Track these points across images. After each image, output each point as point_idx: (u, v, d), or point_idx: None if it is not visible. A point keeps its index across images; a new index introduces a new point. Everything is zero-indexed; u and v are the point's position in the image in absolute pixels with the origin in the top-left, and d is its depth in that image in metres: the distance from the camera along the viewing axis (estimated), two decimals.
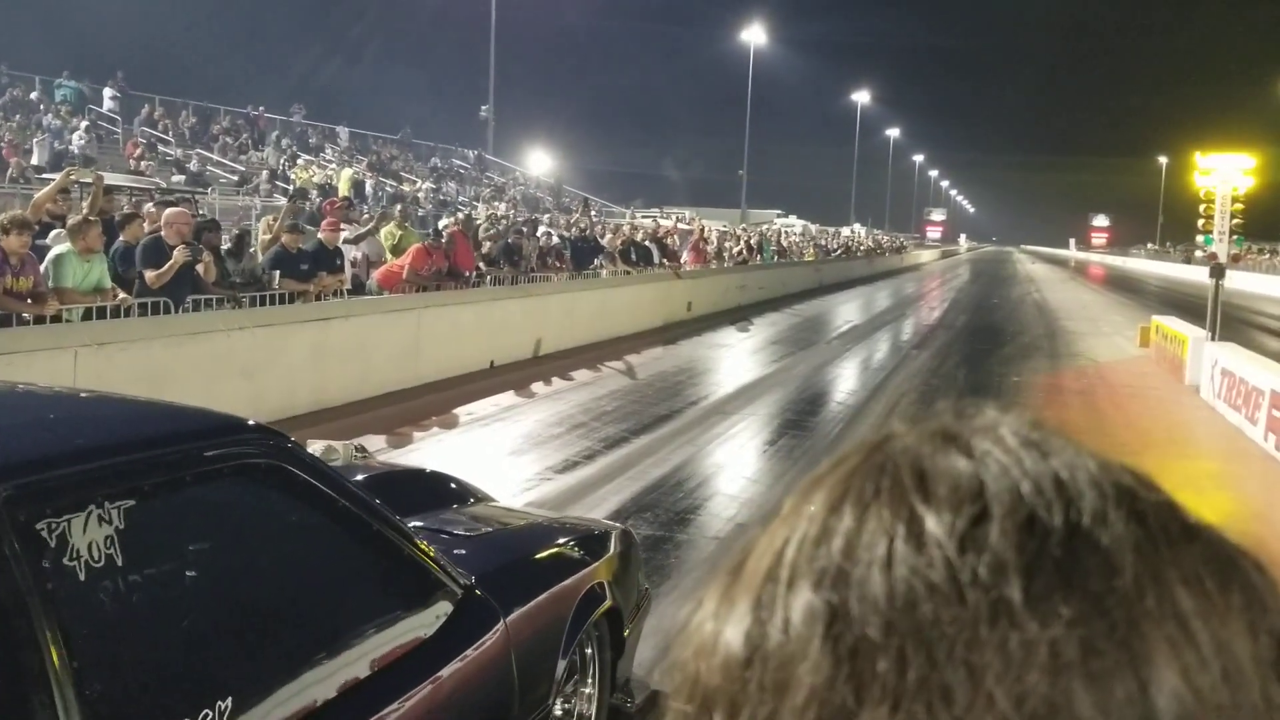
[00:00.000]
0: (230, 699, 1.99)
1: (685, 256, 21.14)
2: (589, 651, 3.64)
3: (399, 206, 16.31)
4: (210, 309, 8.68)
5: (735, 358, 15.62)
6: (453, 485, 4.27)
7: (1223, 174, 13.72)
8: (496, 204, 27.85)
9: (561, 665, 3.29)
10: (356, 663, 2.41)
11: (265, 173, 24.17)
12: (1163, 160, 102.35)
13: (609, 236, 19.07)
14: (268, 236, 10.87)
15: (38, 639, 1.73)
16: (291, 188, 21.22)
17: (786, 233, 37.68)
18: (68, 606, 1.81)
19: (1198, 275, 27.98)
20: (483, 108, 39.44)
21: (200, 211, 13.79)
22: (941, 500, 0.40)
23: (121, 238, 8.67)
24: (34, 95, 25.25)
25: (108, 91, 26.11)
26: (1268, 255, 51.98)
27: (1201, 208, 14.01)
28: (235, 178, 24.01)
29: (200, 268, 8.67)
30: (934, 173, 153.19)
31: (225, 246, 9.91)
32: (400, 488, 3.79)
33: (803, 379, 13.38)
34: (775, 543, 0.43)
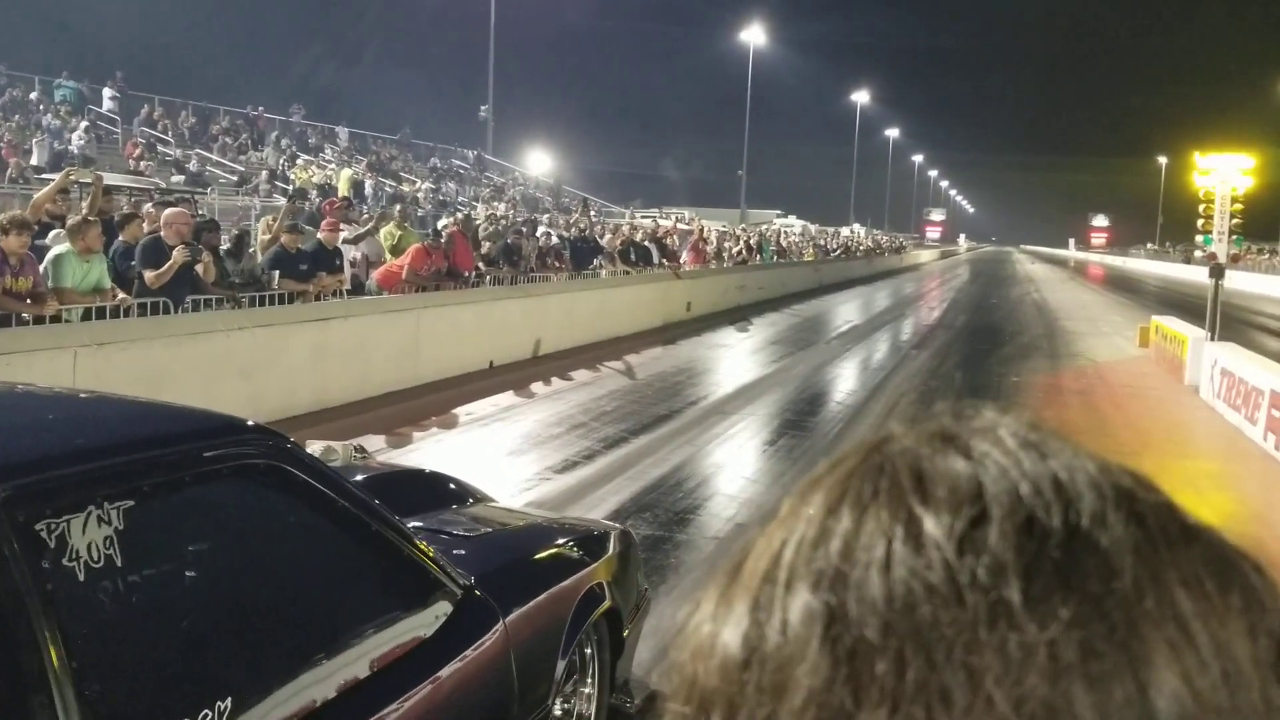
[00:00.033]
0: (230, 699, 1.99)
1: (684, 257, 21.14)
2: (588, 652, 3.64)
3: (398, 207, 16.31)
4: (210, 309, 8.67)
5: (734, 358, 15.62)
6: (452, 486, 4.27)
7: (1222, 174, 13.73)
8: (496, 204, 27.84)
9: (561, 665, 3.29)
10: (356, 663, 2.41)
11: (265, 173, 24.17)
12: (1162, 160, 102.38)
13: (608, 237, 19.07)
14: (267, 236, 10.87)
15: (37, 639, 1.73)
16: (291, 188, 21.22)
17: (786, 233, 37.68)
18: (67, 607, 1.81)
19: (1197, 275, 27.98)
20: (482, 108, 39.44)
21: (199, 212, 13.78)
22: (940, 502, 0.40)
23: (121, 238, 8.67)
24: (33, 95, 25.26)
25: (107, 92, 26.11)
26: (1267, 255, 51.99)
27: (1201, 208, 14.01)
28: (235, 178, 24.01)
29: (199, 268, 8.67)
30: (933, 173, 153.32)
31: (225, 247, 9.91)
32: (399, 488, 3.79)
33: (802, 379, 13.38)
34: (773, 544, 0.43)
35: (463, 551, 3.20)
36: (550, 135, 46.04)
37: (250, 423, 2.48)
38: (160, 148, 24.64)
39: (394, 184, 28.50)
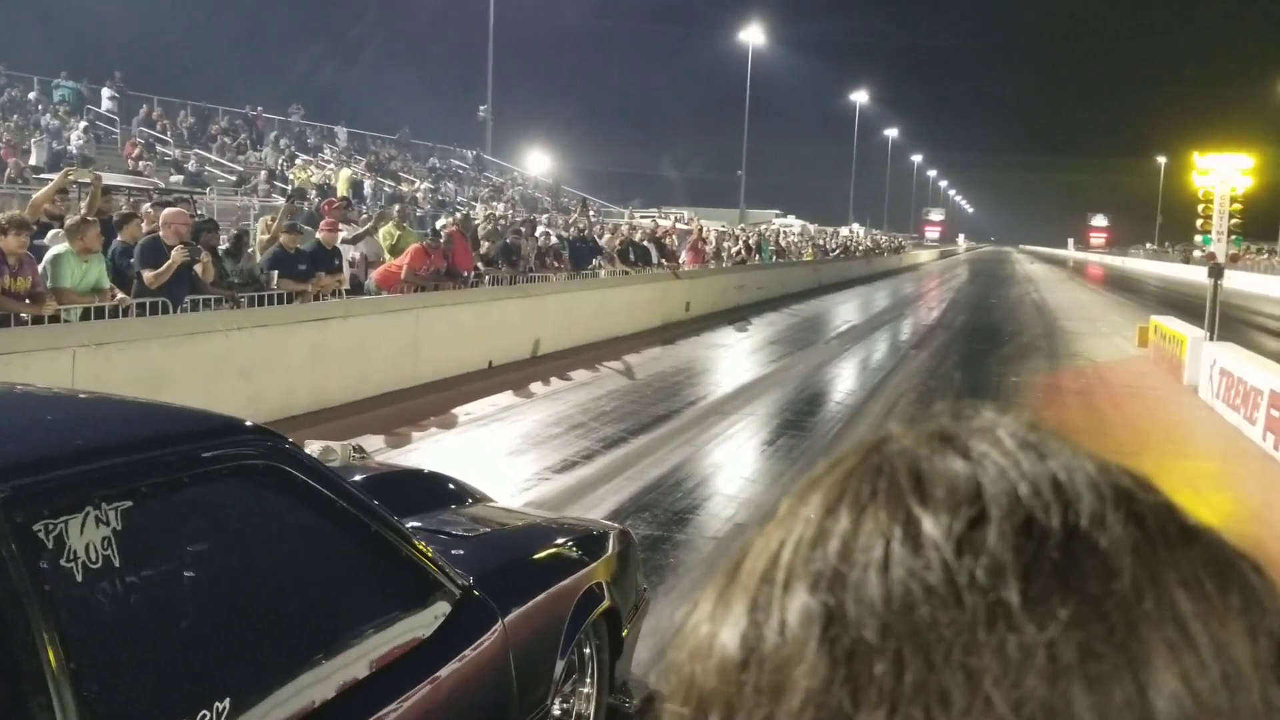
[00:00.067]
0: (228, 700, 1.99)
1: (684, 256, 21.15)
2: (587, 651, 3.64)
3: (397, 206, 16.31)
4: (208, 309, 8.67)
5: (733, 358, 15.62)
6: (451, 486, 4.27)
7: (1221, 174, 13.73)
8: (495, 204, 27.84)
9: (560, 665, 3.29)
10: (355, 663, 2.41)
11: (263, 173, 24.18)
12: (1161, 160, 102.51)
13: (607, 237, 19.08)
14: (266, 236, 10.86)
15: (35, 640, 1.72)
16: (290, 188, 21.22)
17: (785, 233, 37.68)
18: (65, 608, 1.81)
19: (1196, 275, 28.01)
20: (481, 108, 39.44)
21: (198, 212, 13.79)
22: (939, 502, 0.40)
23: (119, 238, 8.66)
24: (32, 95, 25.25)
25: (106, 92, 26.10)
26: (1266, 255, 52.03)
27: (1200, 208, 14.02)
28: (233, 178, 24.01)
29: (198, 268, 8.67)
30: (932, 173, 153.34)
31: (223, 247, 9.92)
32: (398, 488, 3.79)
33: (801, 379, 13.38)
34: (771, 545, 0.43)
35: (461, 551, 3.20)
36: (549, 135, 46.10)
37: (249, 423, 2.48)
38: (159, 148, 24.64)
39: (393, 184, 28.50)
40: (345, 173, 25.40)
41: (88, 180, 10.39)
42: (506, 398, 10.94)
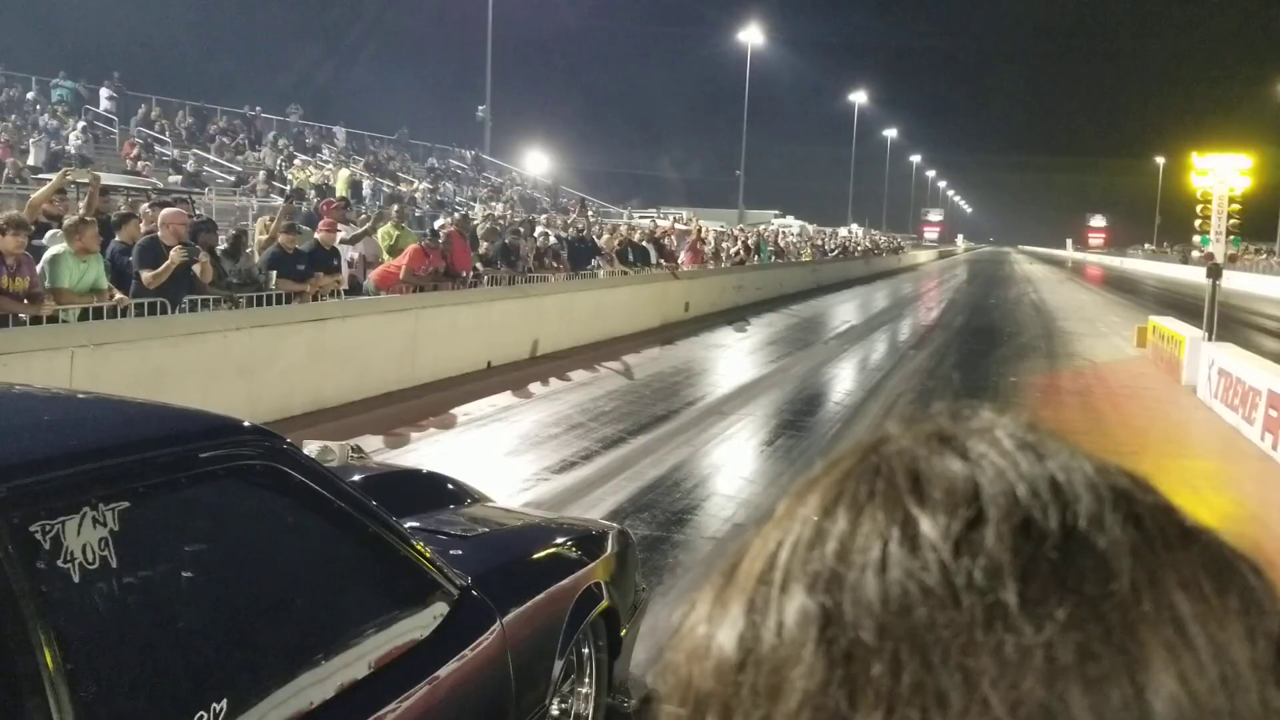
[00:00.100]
0: (225, 701, 1.99)
1: (682, 257, 21.14)
2: (586, 652, 3.64)
3: (396, 207, 16.29)
4: (207, 309, 8.67)
5: (732, 358, 15.62)
6: (450, 486, 4.26)
7: (1219, 174, 13.75)
8: (494, 204, 27.84)
9: (558, 665, 3.29)
10: (353, 664, 2.40)
11: (262, 173, 24.16)
12: (1160, 161, 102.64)
13: (606, 237, 19.07)
14: (264, 237, 10.86)
15: (32, 641, 1.72)
16: (288, 188, 21.23)
17: (784, 233, 37.67)
18: (62, 609, 1.80)
19: (1195, 276, 28.01)
20: (479, 108, 39.51)
21: (197, 212, 13.77)
22: (936, 503, 0.40)
23: (118, 238, 8.66)
24: (30, 95, 25.22)
25: (104, 92, 26.08)
26: (1264, 256, 52.07)
27: (1199, 208, 14.03)
28: (232, 178, 24.00)
29: (197, 268, 8.66)
30: (931, 173, 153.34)
31: (222, 247, 9.91)
32: (397, 488, 3.78)
33: (800, 379, 13.38)
34: (769, 545, 0.42)
35: (460, 552, 3.20)
36: (548, 135, 46.06)
37: (246, 423, 2.48)
38: (157, 148, 24.62)
39: (391, 184, 28.49)
40: (344, 173, 25.40)
41: (86, 180, 10.39)
42: (505, 398, 10.94)
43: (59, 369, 7.05)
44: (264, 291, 9.46)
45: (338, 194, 20.68)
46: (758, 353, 16.34)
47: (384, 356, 10.67)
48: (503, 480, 7.34)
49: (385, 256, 12.33)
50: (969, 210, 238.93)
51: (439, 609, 2.75)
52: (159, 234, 8.45)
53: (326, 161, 29.03)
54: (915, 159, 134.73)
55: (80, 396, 2.95)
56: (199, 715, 1.93)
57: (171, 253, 8.25)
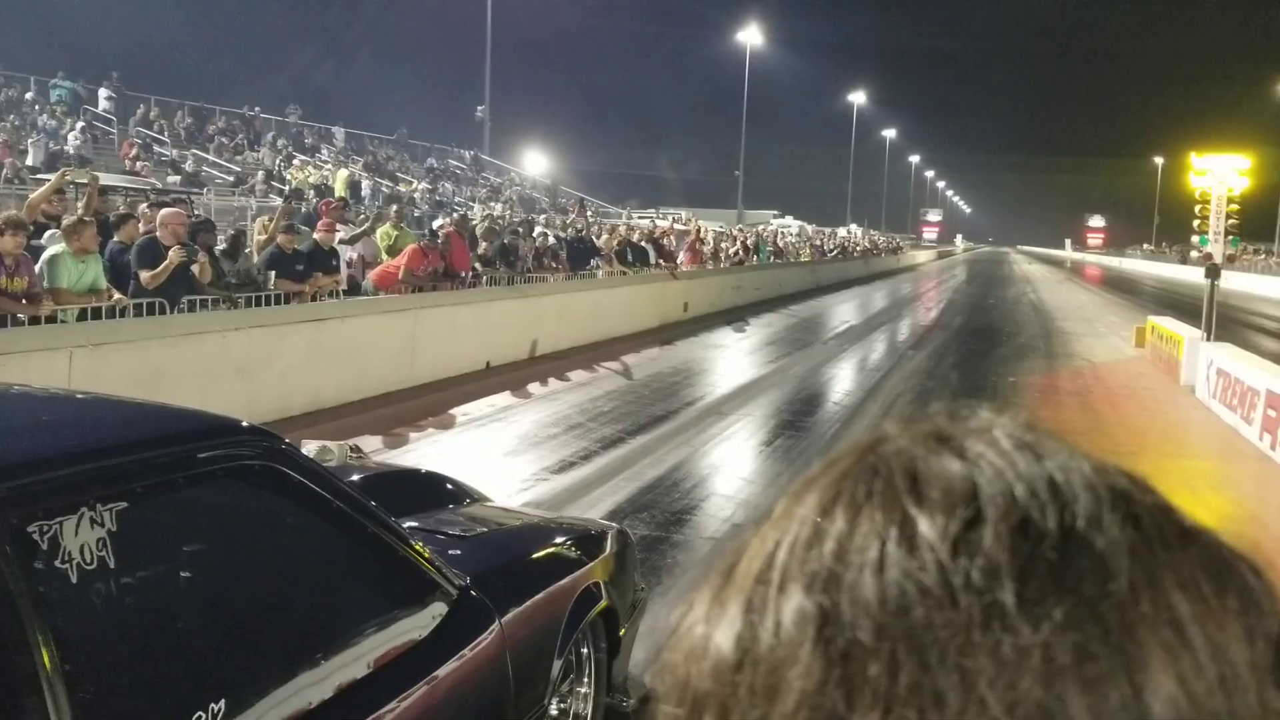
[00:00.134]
0: (224, 701, 1.99)
1: (681, 257, 21.14)
2: (585, 651, 3.64)
3: (395, 207, 16.29)
4: (206, 310, 8.66)
5: (731, 358, 15.62)
6: (448, 486, 4.26)
7: (1218, 174, 13.76)
8: (492, 204, 27.83)
9: (557, 665, 3.29)
10: (351, 664, 2.40)
11: (261, 173, 24.15)
12: (1158, 161, 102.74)
13: (605, 237, 19.06)
14: (263, 237, 10.86)
15: (30, 642, 1.72)
16: (287, 188, 21.22)
17: (783, 233, 37.68)
18: (60, 609, 1.80)
19: (1193, 276, 28.03)
20: (478, 108, 39.51)
21: (195, 212, 13.76)
22: (934, 503, 0.40)
23: (116, 238, 8.65)
24: (29, 95, 25.21)
25: (103, 92, 26.07)
26: (1263, 256, 52.11)
27: (1197, 208, 14.05)
28: (231, 178, 23.99)
29: (195, 268, 8.66)
30: (930, 173, 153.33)
31: (220, 247, 9.90)
32: (396, 488, 3.78)
33: (799, 379, 13.38)
34: (766, 545, 0.42)
35: (459, 552, 3.20)
36: (547, 136, 46.07)
37: (245, 423, 2.47)
38: (156, 148, 24.61)
39: (390, 184, 28.48)
40: (343, 173, 25.40)
41: (85, 180, 10.39)
42: (504, 398, 10.94)
43: (57, 369, 7.05)
44: (263, 292, 9.45)
45: (336, 194, 20.69)
46: (756, 353, 16.34)
47: (383, 357, 10.66)
48: (501, 480, 7.34)
49: (384, 257, 12.33)
50: (968, 210, 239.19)
51: (438, 609, 2.75)
52: (157, 234, 8.45)
53: (325, 162, 29.02)
54: (914, 159, 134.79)
55: (78, 397, 2.95)
56: (197, 715, 1.93)
57: (170, 253, 8.25)
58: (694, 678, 0.41)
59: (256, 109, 30.57)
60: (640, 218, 34.26)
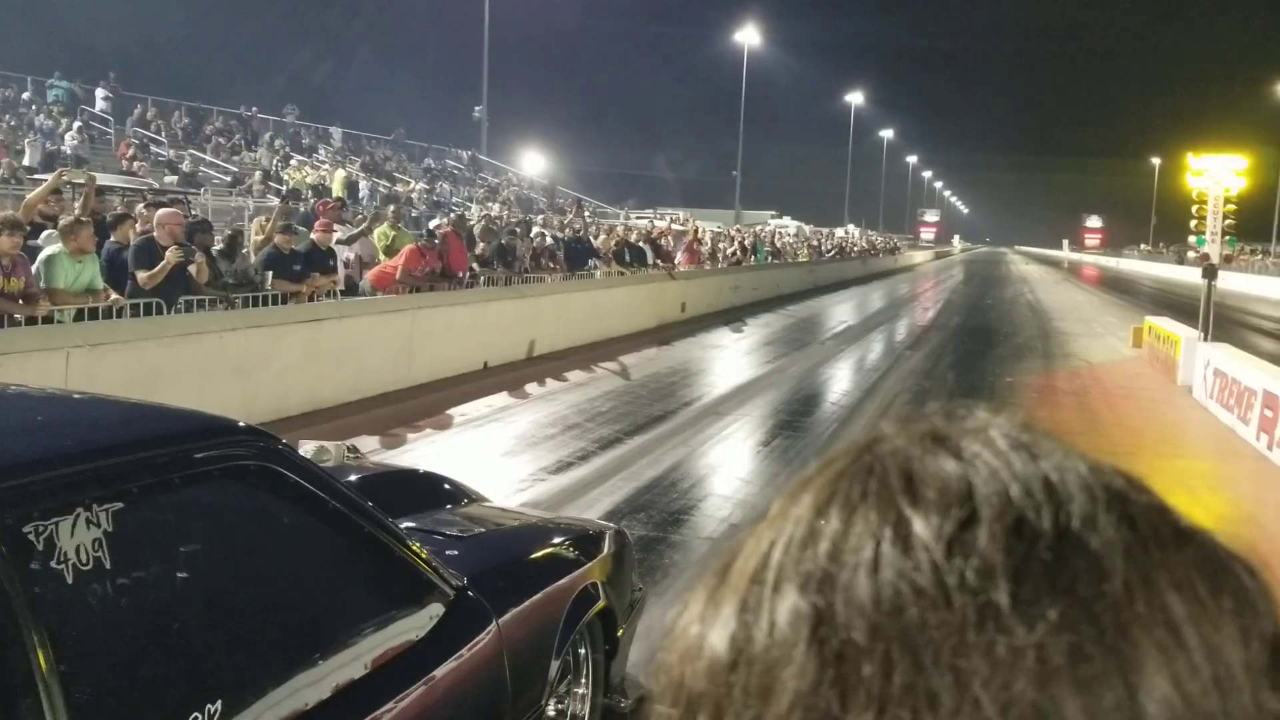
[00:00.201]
0: (220, 702, 1.98)
1: (679, 257, 21.14)
2: (582, 652, 3.63)
3: (392, 207, 16.28)
4: (203, 310, 8.66)
5: (729, 358, 15.62)
6: (446, 486, 4.26)
7: (1215, 175, 13.78)
8: (490, 205, 27.82)
9: (555, 666, 3.29)
10: (348, 665, 2.40)
11: (258, 173, 24.14)
12: (1155, 161, 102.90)
13: (603, 237, 19.06)
14: (260, 237, 10.85)
15: (25, 643, 1.72)
16: (284, 188, 21.21)
17: (780, 233, 37.68)
18: (55, 610, 1.80)
19: (1190, 276, 28.07)
20: (476, 108, 39.51)
21: (193, 212, 13.75)
22: (929, 503, 0.40)
23: (113, 238, 8.64)
24: (26, 95, 25.18)
25: (100, 92, 26.04)
26: (1260, 256, 52.18)
27: (1194, 209, 14.06)
28: (228, 178, 23.98)
29: (193, 268, 8.65)
30: (927, 174, 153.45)
31: (218, 247, 9.89)
32: (393, 489, 3.78)
33: (796, 380, 13.38)
34: (762, 545, 0.42)
35: (456, 552, 3.20)
36: (544, 136, 46.08)
37: (241, 423, 2.47)
38: (153, 148, 24.59)
39: (388, 184, 28.47)
40: (340, 173, 25.39)
41: (82, 181, 10.38)
42: (502, 398, 10.93)
43: (54, 369, 7.04)
44: (260, 292, 9.44)
45: (334, 194, 20.68)
46: (754, 353, 16.34)
47: (380, 357, 10.66)
48: (499, 481, 7.33)
49: (381, 257, 12.32)
50: (965, 211, 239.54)
51: (435, 609, 2.75)
52: (155, 234, 8.44)
53: (323, 162, 29.01)
54: (912, 160, 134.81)
55: (75, 397, 2.95)
56: (194, 716, 1.93)
57: (167, 253, 8.24)
58: (688, 678, 0.41)
59: (254, 109, 30.55)
60: (638, 218, 34.28)
